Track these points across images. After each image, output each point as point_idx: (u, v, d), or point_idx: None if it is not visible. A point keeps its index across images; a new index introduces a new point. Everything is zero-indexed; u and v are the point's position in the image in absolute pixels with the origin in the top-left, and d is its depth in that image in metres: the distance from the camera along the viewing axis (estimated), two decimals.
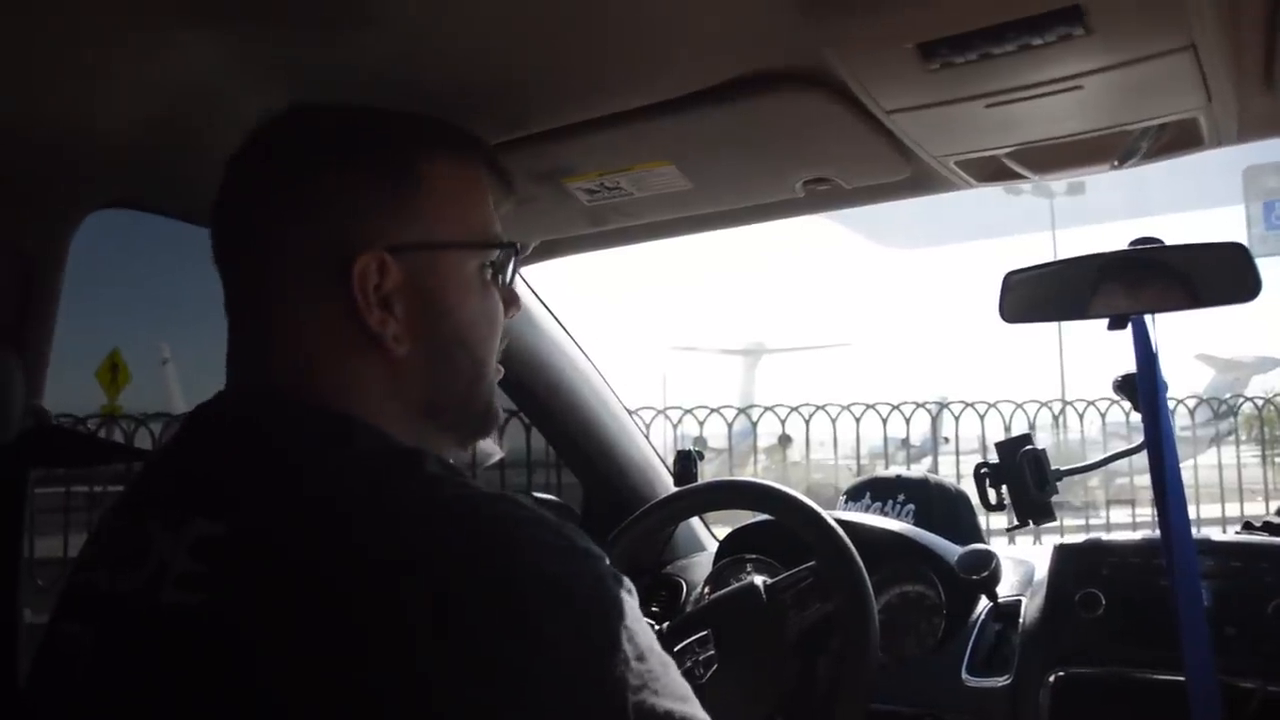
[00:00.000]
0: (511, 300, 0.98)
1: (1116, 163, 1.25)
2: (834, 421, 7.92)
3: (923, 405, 8.32)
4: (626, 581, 0.78)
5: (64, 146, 1.21)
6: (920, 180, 1.36)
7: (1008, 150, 1.23)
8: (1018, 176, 1.29)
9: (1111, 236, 1.56)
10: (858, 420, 7.93)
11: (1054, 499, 1.48)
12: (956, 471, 7.44)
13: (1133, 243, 1.32)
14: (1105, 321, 1.31)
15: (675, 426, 7.64)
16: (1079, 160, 1.25)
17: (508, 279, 0.97)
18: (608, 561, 0.79)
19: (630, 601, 0.77)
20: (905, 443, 8.39)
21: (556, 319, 1.98)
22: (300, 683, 0.70)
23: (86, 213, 1.34)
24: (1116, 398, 1.37)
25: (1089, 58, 1.00)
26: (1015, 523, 1.52)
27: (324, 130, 0.92)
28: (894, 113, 1.14)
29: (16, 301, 1.29)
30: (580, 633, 0.73)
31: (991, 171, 1.30)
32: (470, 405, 0.95)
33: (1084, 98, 1.08)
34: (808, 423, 7.99)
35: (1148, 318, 1.27)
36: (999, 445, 1.51)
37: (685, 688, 0.76)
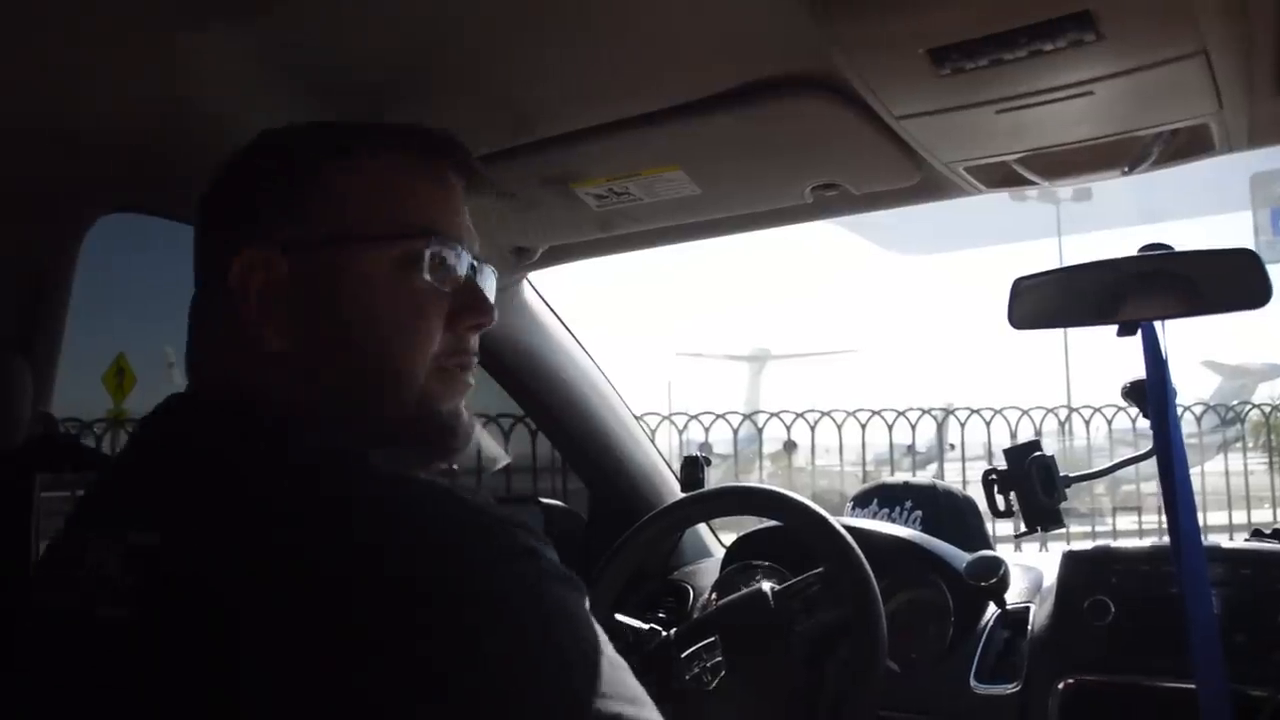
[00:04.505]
0: (470, 304, 0.91)
1: (1127, 168, 1.24)
2: (839, 428, 7.91)
3: (928, 412, 8.30)
4: (573, 578, 0.74)
5: (71, 152, 1.21)
6: (930, 186, 1.36)
7: (1018, 156, 1.23)
8: (1028, 182, 1.29)
9: (1117, 243, 1.56)
10: (863, 427, 7.92)
11: (1060, 506, 1.48)
12: (962, 478, 7.43)
13: (1143, 249, 1.32)
14: (1114, 327, 1.31)
15: (680, 432, 7.64)
16: (1090, 166, 1.25)
17: (451, 276, 0.90)
18: (553, 557, 0.74)
19: (576, 599, 0.73)
20: (911, 449, 8.37)
21: (563, 324, 1.98)
22: (229, 698, 0.67)
23: (94, 218, 1.34)
24: (1123, 404, 1.36)
25: (1100, 63, 0.99)
26: (1023, 529, 1.51)
27: (247, 148, 0.93)
28: (904, 118, 1.13)
29: (25, 308, 1.29)
30: (519, 643, 0.69)
31: (1001, 177, 1.29)
32: (385, 410, 0.87)
33: (1095, 103, 1.07)
34: (813, 429, 7.98)
35: (1157, 324, 1.27)
36: (1008, 452, 1.51)
37: (637, 689, 0.73)
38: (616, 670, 0.72)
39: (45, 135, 1.18)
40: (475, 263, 0.93)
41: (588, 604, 0.75)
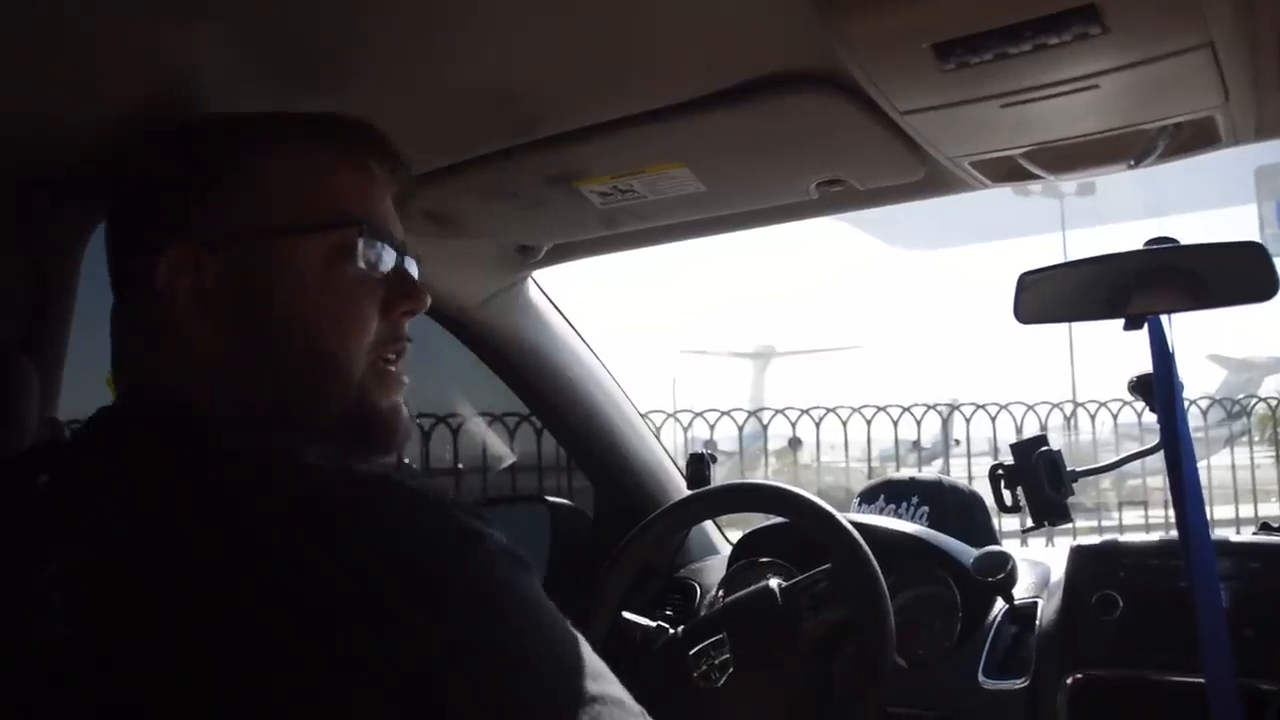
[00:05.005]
0: (403, 291, 0.91)
1: (1132, 162, 1.24)
2: (845, 424, 7.93)
3: (934, 407, 8.31)
4: (521, 556, 0.72)
5: (75, 152, 1.21)
6: (935, 181, 1.36)
7: (1023, 150, 1.22)
8: (1033, 176, 1.28)
9: (1122, 237, 1.56)
10: (868, 423, 7.93)
11: (1068, 500, 1.47)
12: (968, 473, 7.45)
13: (1148, 243, 1.32)
14: (1120, 321, 1.31)
15: (685, 430, 7.65)
16: (1095, 160, 1.24)
17: (382, 263, 0.90)
18: (498, 536, 0.72)
19: (525, 577, 0.72)
20: (916, 445, 8.39)
21: (568, 321, 1.98)
22: (187, 711, 0.65)
23: (98, 219, 1.34)
24: (1129, 398, 1.36)
25: (1106, 57, 0.99)
26: (1031, 524, 1.51)
27: (159, 143, 0.93)
28: (909, 113, 1.13)
29: (32, 310, 1.29)
30: (472, 630, 0.67)
31: (1007, 172, 1.29)
32: (325, 407, 0.86)
33: (1100, 97, 1.07)
34: (818, 425, 7.99)
35: (1164, 318, 1.27)
36: (1014, 446, 1.51)
37: (597, 663, 0.71)
38: (574, 646, 0.71)
39: (49, 136, 1.17)
40: (401, 249, 0.93)
41: (538, 580, 0.73)
